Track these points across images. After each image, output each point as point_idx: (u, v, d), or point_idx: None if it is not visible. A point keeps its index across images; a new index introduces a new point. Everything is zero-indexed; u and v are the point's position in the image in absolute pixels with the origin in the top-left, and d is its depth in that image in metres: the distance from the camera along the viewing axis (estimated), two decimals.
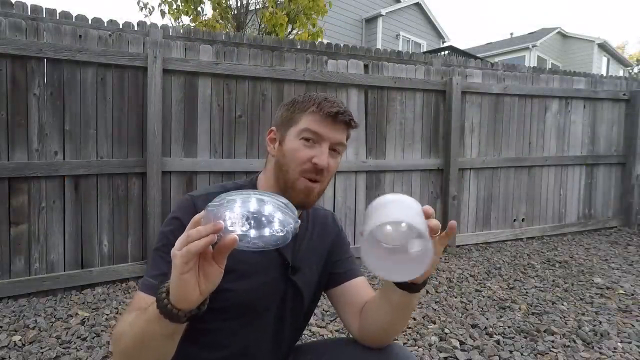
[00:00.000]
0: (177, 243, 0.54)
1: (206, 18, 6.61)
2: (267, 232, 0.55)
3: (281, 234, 0.56)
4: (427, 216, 0.60)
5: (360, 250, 0.59)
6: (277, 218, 0.55)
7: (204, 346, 0.80)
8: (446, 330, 1.98)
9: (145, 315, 0.61)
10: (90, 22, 4.40)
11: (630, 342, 1.89)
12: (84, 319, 2.04)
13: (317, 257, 0.90)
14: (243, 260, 0.78)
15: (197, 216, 0.55)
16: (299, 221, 0.59)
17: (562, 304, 2.33)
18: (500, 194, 3.69)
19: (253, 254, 0.79)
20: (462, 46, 14.85)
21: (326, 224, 0.94)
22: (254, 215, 0.54)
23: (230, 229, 0.53)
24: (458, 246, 3.43)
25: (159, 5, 6.47)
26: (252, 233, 0.55)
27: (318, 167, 0.76)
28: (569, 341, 1.90)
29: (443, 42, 14.37)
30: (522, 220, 3.80)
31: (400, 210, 0.59)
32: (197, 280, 0.55)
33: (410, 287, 0.70)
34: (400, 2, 13.46)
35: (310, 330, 1.96)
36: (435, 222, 0.60)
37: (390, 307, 0.75)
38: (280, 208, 0.56)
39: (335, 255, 0.92)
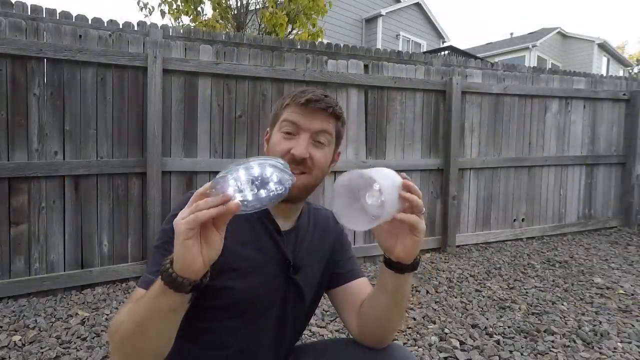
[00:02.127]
0: (182, 213, 0.56)
1: (206, 18, 6.61)
2: (263, 193, 0.58)
3: (279, 191, 0.59)
4: (407, 189, 0.65)
5: (333, 192, 0.68)
6: (278, 177, 0.59)
7: (206, 345, 0.80)
8: (446, 330, 1.98)
9: (147, 295, 0.62)
10: (90, 22, 4.40)
11: (630, 342, 1.89)
12: (84, 319, 2.04)
13: (319, 257, 0.90)
14: (244, 259, 0.78)
15: (202, 188, 0.57)
16: (294, 178, 0.62)
17: (562, 304, 2.33)
18: (500, 194, 3.69)
19: (254, 253, 0.80)
20: (462, 46, 14.87)
21: (327, 224, 0.94)
22: (257, 179, 0.58)
23: (237, 195, 0.56)
24: (458, 246, 3.43)
25: (159, 5, 6.48)
26: (250, 197, 0.58)
27: (296, 158, 0.75)
28: (569, 341, 1.90)
29: (443, 42, 14.37)
30: (522, 220, 3.80)
31: (377, 172, 0.64)
32: (199, 247, 0.57)
33: (397, 266, 0.72)
34: (400, 2, 13.46)
35: (310, 330, 1.96)
36: (410, 196, 0.64)
37: (383, 292, 0.77)
38: (278, 167, 0.60)
39: (337, 255, 0.92)
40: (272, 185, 0.59)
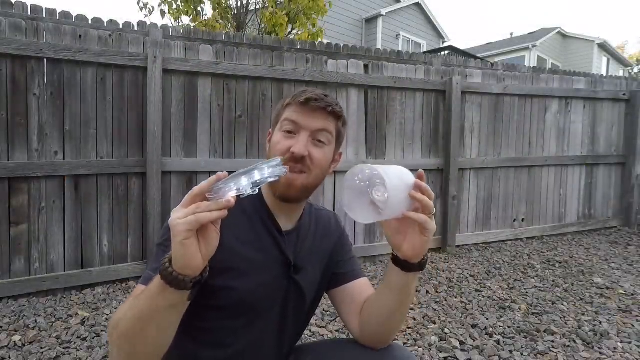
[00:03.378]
0: (177, 213, 0.57)
1: (206, 18, 6.61)
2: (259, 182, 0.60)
3: (271, 179, 0.61)
4: (419, 190, 0.67)
5: (344, 182, 0.72)
6: (273, 173, 0.61)
7: (206, 345, 0.80)
8: (446, 330, 1.98)
9: (146, 292, 0.62)
10: (90, 22, 4.40)
11: (630, 342, 1.89)
12: (84, 319, 2.04)
13: (320, 257, 0.90)
14: (245, 258, 0.78)
15: (198, 189, 0.57)
16: (287, 170, 0.64)
17: (562, 304, 2.33)
18: (500, 194, 3.69)
19: (255, 253, 0.80)
20: (462, 46, 14.86)
21: (329, 225, 0.95)
22: (257, 183, 0.60)
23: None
24: (458, 246, 3.43)
25: (159, 5, 6.47)
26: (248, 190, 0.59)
27: (295, 155, 0.75)
28: (569, 341, 1.90)
29: (443, 42, 14.37)
30: (522, 220, 3.80)
31: (389, 169, 0.66)
32: (197, 244, 0.57)
33: (404, 264, 0.73)
34: (400, 2, 13.46)
35: (310, 330, 1.96)
36: (420, 196, 0.66)
37: (388, 290, 0.77)
38: (273, 167, 0.62)
39: (338, 255, 0.93)
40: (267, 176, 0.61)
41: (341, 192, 3.04)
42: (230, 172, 0.59)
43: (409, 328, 2.00)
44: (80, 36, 2.39)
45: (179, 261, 0.57)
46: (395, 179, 0.65)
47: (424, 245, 0.70)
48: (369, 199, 0.71)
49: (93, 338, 1.85)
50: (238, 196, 0.58)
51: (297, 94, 0.80)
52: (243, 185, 0.58)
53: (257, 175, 0.59)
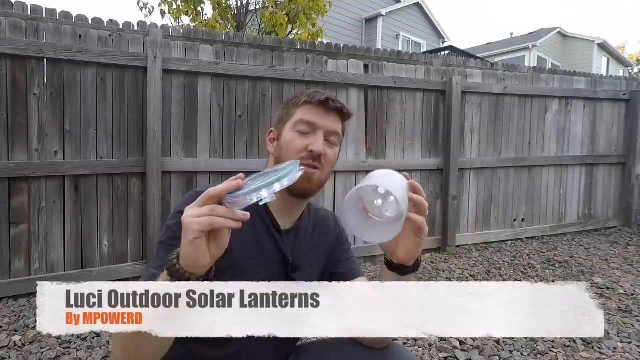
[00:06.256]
0: (192, 210, 0.56)
1: (206, 18, 6.61)
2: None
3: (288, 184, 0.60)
4: (414, 190, 0.66)
5: (342, 210, 0.67)
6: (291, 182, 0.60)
7: (204, 343, 0.80)
8: None
9: None
10: (90, 22, 4.39)
11: (630, 342, 1.89)
12: None
13: (318, 256, 0.90)
14: (243, 257, 0.78)
15: (218, 189, 0.56)
16: (303, 170, 0.63)
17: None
18: (500, 194, 3.69)
19: (253, 251, 0.80)
20: (462, 46, 14.84)
21: (327, 225, 0.95)
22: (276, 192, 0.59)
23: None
24: (458, 246, 3.43)
25: (159, 5, 6.47)
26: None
27: (314, 154, 0.77)
28: (569, 341, 1.90)
29: (443, 42, 14.37)
30: (522, 220, 3.80)
31: (383, 178, 0.65)
32: (207, 244, 0.57)
33: (399, 268, 0.72)
34: (400, 2, 13.45)
35: None
36: (418, 197, 0.65)
37: None
38: (289, 173, 0.60)
39: (337, 255, 0.93)
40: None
41: (339, 191, 3.04)
42: (232, 173, 0.59)
43: None
44: (80, 36, 2.39)
45: (188, 259, 0.58)
46: (397, 187, 0.63)
47: (418, 247, 0.69)
48: (376, 219, 0.68)
49: (93, 338, 1.85)
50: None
51: (312, 93, 0.81)
52: (264, 197, 0.57)
53: (277, 187, 0.58)
